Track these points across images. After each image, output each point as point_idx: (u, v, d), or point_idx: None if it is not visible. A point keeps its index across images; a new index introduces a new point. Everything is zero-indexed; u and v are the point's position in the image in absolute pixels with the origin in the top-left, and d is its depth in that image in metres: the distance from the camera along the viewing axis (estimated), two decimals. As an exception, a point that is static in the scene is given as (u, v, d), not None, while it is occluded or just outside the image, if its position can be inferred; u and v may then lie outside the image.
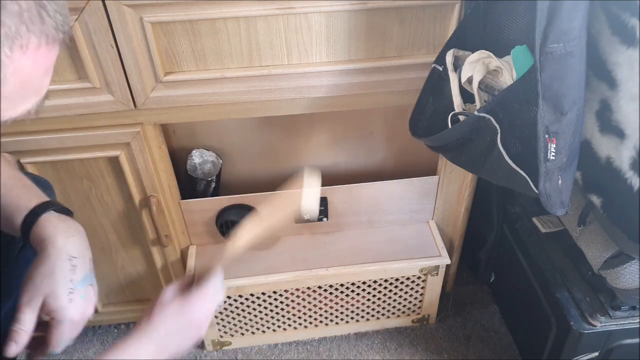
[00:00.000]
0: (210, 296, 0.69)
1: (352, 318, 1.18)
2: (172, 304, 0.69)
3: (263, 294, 1.08)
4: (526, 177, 0.68)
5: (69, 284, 0.59)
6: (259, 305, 1.10)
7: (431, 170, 1.08)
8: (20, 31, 0.38)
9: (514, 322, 1.21)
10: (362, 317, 1.18)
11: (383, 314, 1.18)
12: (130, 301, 1.20)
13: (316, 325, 1.18)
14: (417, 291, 1.14)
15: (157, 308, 0.68)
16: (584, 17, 0.60)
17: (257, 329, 1.16)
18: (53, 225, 0.60)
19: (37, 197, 0.63)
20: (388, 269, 1.07)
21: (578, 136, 0.68)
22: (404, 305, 1.17)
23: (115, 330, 1.25)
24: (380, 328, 1.22)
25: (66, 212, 0.64)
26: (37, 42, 0.40)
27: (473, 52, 0.73)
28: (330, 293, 1.11)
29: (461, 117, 0.75)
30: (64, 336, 0.59)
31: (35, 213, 0.61)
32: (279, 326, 1.17)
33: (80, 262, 0.60)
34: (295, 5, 0.78)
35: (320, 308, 1.14)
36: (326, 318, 1.17)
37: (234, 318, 1.12)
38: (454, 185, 1.08)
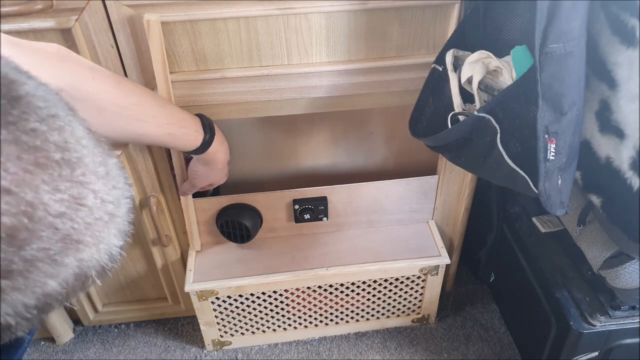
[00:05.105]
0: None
1: (352, 318, 1.18)
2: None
3: (263, 293, 1.08)
4: (526, 177, 0.68)
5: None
6: (259, 305, 1.10)
7: (431, 170, 1.08)
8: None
9: (513, 322, 1.21)
10: (362, 316, 1.18)
11: (383, 314, 1.18)
12: (130, 301, 1.20)
13: (316, 325, 1.18)
14: (417, 291, 1.14)
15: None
16: (584, 17, 0.60)
17: (257, 328, 1.16)
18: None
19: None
20: (388, 269, 1.07)
21: (578, 136, 0.68)
22: (404, 305, 1.17)
23: (116, 330, 1.25)
24: (380, 328, 1.22)
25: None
26: None
27: (473, 52, 0.73)
28: (330, 293, 1.11)
29: (461, 117, 0.75)
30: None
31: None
32: (279, 326, 1.17)
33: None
34: (295, 6, 0.79)
35: (320, 308, 1.14)
36: (326, 318, 1.17)
37: (234, 318, 1.12)
38: (453, 185, 1.08)
